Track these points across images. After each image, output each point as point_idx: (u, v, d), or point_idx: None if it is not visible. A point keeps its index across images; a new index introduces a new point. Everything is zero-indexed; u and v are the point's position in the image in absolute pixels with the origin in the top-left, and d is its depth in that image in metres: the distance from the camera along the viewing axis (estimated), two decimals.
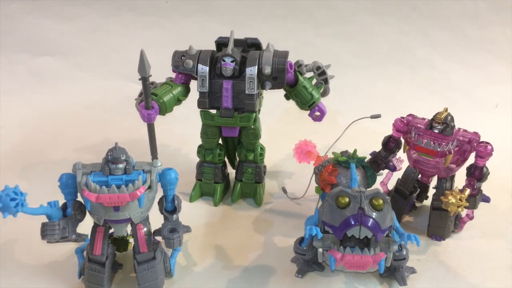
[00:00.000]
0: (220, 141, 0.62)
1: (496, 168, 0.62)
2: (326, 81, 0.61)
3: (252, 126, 0.57)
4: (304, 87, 0.58)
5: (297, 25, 1.00)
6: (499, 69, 0.96)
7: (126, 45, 0.96)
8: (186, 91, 0.58)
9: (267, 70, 0.54)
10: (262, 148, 0.61)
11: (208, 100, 0.56)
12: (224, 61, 0.54)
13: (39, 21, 0.99)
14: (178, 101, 0.58)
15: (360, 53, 0.99)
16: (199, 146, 0.61)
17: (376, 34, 1.01)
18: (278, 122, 0.83)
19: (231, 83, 0.55)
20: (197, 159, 0.63)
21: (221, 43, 0.57)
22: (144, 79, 0.52)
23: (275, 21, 0.99)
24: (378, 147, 0.62)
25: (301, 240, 0.51)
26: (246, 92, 0.54)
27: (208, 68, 0.55)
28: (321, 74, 0.60)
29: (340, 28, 1.00)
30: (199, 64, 0.55)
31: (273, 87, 0.56)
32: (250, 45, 0.58)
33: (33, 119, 0.84)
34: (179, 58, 0.56)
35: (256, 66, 0.54)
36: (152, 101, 0.54)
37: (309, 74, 0.61)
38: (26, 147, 0.77)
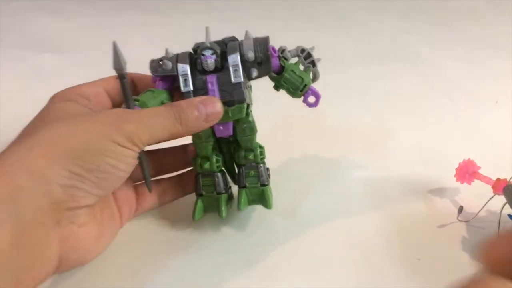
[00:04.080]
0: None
1: (497, 165, 0.62)
2: (313, 63, 0.56)
3: (247, 119, 0.53)
4: (292, 71, 0.54)
5: (297, 22, 1.00)
6: (499, 65, 0.96)
7: (127, 43, 0.95)
8: (170, 97, 0.53)
9: (250, 54, 0.50)
10: (261, 147, 0.57)
11: None
12: (204, 55, 0.51)
13: (40, 19, 1.00)
14: None
15: (360, 50, 0.99)
16: (194, 157, 0.56)
17: (376, 31, 1.01)
18: (277, 125, 0.81)
19: (215, 77, 0.51)
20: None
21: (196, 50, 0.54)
22: (122, 75, 0.47)
23: (275, 19, 1.00)
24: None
25: None
26: (233, 81, 0.51)
27: (188, 66, 0.51)
28: (307, 57, 0.56)
29: (340, 26, 1.00)
30: (178, 64, 0.51)
31: (260, 75, 0.52)
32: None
33: (33, 116, 0.84)
34: (156, 63, 0.53)
35: (238, 53, 0.51)
36: (135, 106, 0.49)
37: (295, 63, 0.57)
38: None
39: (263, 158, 0.57)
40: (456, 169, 0.64)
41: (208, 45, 0.50)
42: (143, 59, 0.54)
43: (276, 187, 0.60)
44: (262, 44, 0.51)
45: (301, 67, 0.55)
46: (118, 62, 0.45)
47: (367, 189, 0.65)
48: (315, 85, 0.56)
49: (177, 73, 0.51)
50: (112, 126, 0.42)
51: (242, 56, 0.50)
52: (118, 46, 0.45)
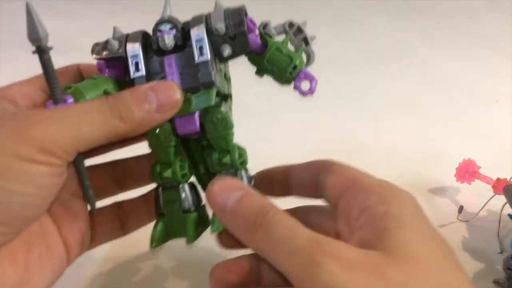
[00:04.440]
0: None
1: (497, 165, 0.63)
2: (306, 41, 0.43)
3: (218, 110, 0.38)
4: (277, 49, 0.40)
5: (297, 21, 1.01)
6: (498, 64, 0.97)
7: None
8: (118, 87, 0.39)
9: (219, 25, 0.37)
10: (241, 148, 0.40)
11: None
12: (160, 30, 0.38)
13: (41, 19, 1.00)
14: None
15: (359, 50, 0.99)
16: (152, 164, 0.40)
17: (375, 31, 1.01)
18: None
19: (174, 56, 0.38)
20: None
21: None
22: (40, 49, 0.34)
23: (274, 19, 1.00)
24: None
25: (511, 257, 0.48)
26: (196, 60, 0.37)
27: (140, 45, 0.38)
28: (297, 33, 0.42)
29: (340, 25, 1.00)
30: (128, 43, 0.38)
31: (234, 54, 0.39)
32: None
33: None
34: (101, 45, 0.40)
35: (204, 25, 0.38)
36: (66, 95, 0.35)
37: (282, 41, 0.42)
38: None
39: (244, 162, 0.40)
40: (456, 168, 0.64)
41: (166, 17, 0.38)
42: None
43: None
44: (235, 13, 0.38)
45: (291, 47, 0.42)
46: (34, 30, 0.33)
47: None
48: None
49: (126, 54, 0.38)
50: (13, 134, 0.30)
51: (209, 30, 0.38)
52: (35, 11, 0.33)
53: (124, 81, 0.38)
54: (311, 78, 0.41)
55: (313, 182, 0.39)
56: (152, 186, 0.43)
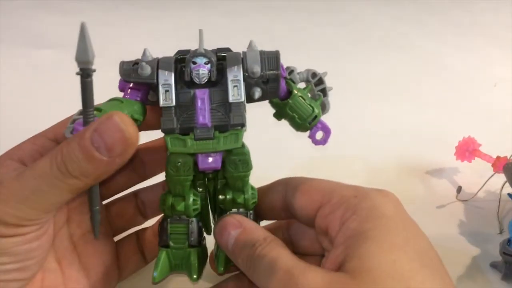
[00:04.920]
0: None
1: (496, 143, 0.63)
2: (324, 92, 0.45)
3: (242, 151, 0.39)
4: (301, 97, 0.41)
5: (293, 13, 1.01)
6: (493, 51, 0.96)
7: (126, 38, 0.97)
8: (143, 110, 0.39)
9: (256, 69, 0.38)
10: (254, 189, 0.41)
11: (176, 118, 0.38)
12: (195, 63, 0.38)
13: (39, 16, 1.01)
14: (134, 121, 0.36)
15: (354, 40, 0.99)
16: (163, 194, 0.40)
17: (370, 21, 1.02)
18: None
19: (207, 92, 0.38)
20: None
21: (183, 60, 0.40)
22: (86, 72, 0.32)
23: (270, 11, 1.00)
24: None
25: (508, 241, 0.48)
26: (230, 100, 0.38)
27: (173, 74, 0.38)
28: (318, 83, 0.45)
29: (335, 15, 1.01)
30: (160, 70, 0.38)
31: (263, 97, 0.40)
32: (221, 58, 0.40)
33: (32, 112, 0.85)
34: (129, 66, 0.38)
35: (241, 66, 0.38)
36: (95, 117, 0.34)
37: (304, 88, 0.45)
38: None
39: (255, 203, 0.41)
40: (456, 147, 0.63)
41: (202, 51, 0.38)
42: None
43: None
44: (271, 58, 0.39)
45: (309, 95, 0.43)
46: (85, 52, 0.31)
47: (364, 172, 0.65)
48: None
49: (157, 82, 0.38)
50: None
51: (244, 71, 0.38)
52: (88, 31, 0.31)
53: (146, 103, 0.39)
54: (326, 130, 0.42)
55: (280, 204, 0.40)
56: None
